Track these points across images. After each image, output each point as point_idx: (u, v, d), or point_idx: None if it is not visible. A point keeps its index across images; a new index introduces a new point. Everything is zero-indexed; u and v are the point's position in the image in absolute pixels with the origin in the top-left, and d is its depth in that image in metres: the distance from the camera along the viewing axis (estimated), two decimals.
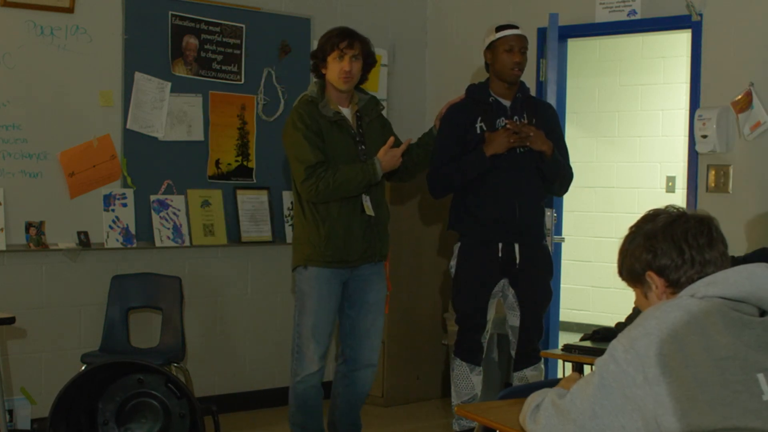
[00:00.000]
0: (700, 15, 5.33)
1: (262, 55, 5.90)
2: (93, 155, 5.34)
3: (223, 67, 5.76)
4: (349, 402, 4.67)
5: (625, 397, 2.06)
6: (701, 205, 5.28)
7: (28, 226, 5.12)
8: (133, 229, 5.41)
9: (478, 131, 4.71)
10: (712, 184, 5.31)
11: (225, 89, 5.78)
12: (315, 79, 4.56)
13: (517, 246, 4.71)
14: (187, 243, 5.58)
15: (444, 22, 6.64)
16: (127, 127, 5.44)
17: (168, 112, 5.56)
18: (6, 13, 5.06)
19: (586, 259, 8.57)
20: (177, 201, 5.58)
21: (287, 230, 5.88)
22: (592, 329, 4.26)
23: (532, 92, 5.19)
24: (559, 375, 5.08)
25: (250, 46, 5.85)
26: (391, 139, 4.52)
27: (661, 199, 6.43)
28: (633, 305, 2.87)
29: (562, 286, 6.10)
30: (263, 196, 5.89)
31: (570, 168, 4.88)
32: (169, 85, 5.56)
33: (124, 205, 5.39)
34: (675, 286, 2.21)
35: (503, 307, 4.85)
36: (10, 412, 4.98)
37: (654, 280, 2.23)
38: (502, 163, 4.66)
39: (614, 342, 2.12)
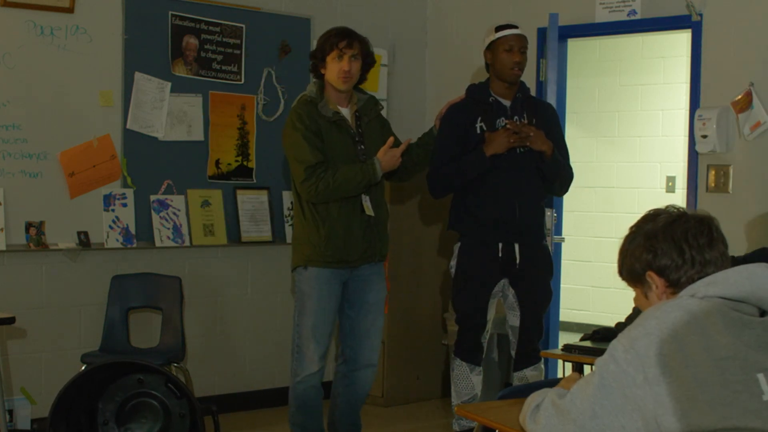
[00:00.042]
0: (700, 15, 5.33)
1: (262, 55, 5.90)
2: (93, 155, 5.34)
3: (223, 67, 5.76)
4: (349, 402, 4.67)
5: (625, 397, 2.06)
6: (701, 205, 5.28)
7: (28, 226, 5.12)
8: (133, 229, 5.41)
9: (478, 131, 4.71)
10: (712, 184, 5.31)
11: (225, 89, 5.78)
12: (314, 80, 4.55)
13: (517, 246, 4.71)
14: (187, 243, 5.58)
15: (444, 22, 6.64)
16: (127, 127, 5.44)
17: (168, 112, 5.56)
18: (6, 13, 5.06)
19: (586, 259, 8.57)
20: (177, 201, 5.58)
21: (287, 230, 5.88)
22: (592, 329, 4.26)
23: (532, 92, 5.19)
24: (559, 375, 5.08)
25: (250, 46, 5.85)
26: (391, 139, 4.52)
27: (661, 199, 6.43)
28: (633, 305, 2.87)
29: (562, 286, 6.10)
30: (263, 196, 5.89)
31: (570, 168, 4.88)
32: (169, 85, 5.56)
33: (124, 205, 5.40)
34: (675, 286, 2.21)
35: (503, 307, 4.85)
36: (10, 412, 4.98)
37: (654, 280, 2.23)
38: (502, 163, 4.66)
39: (614, 342, 2.12)
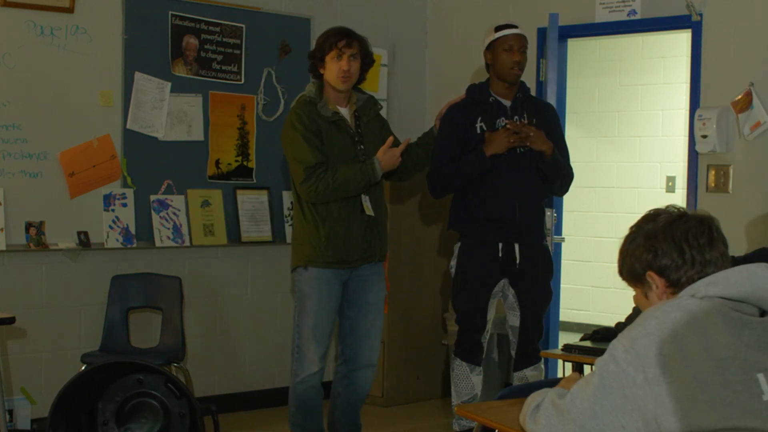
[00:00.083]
0: (700, 15, 5.33)
1: (262, 55, 5.90)
2: (93, 155, 5.34)
3: (223, 67, 5.76)
4: (349, 402, 4.67)
5: (625, 397, 2.06)
6: (701, 205, 5.28)
7: (28, 226, 5.12)
8: (133, 229, 5.41)
9: (478, 131, 4.71)
10: (712, 184, 5.31)
11: (225, 89, 5.78)
12: (313, 80, 4.55)
13: (517, 246, 4.71)
14: (187, 243, 5.58)
15: (444, 22, 6.64)
16: (127, 127, 5.44)
17: (168, 112, 5.56)
18: (6, 13, 5.06)
19: (586, 259, 8.57)
20: (177, 201, 5.58)
21: (287, 230, 5.88)
22: (592, 329, 4.26)
23: (532, 92, 5.18)
24: (559, 375, 5.08)
25: (250, 46, 5.85)
26: (390, 138, 4.52)
27: (661, 199, 6.43)
28: (633, 305, 2.87)
29: (562, 286, 6.10)
30: (263, 196, 5.89)
31: (570, 168, 4.88)
32: (169, 85, 5.56)
33: (124, 205, 5.40)
34: (675, 286, 2.21)
35: (503, 307, 4.85)
36: (10, 412, 4.98)
37: (654, 280, 2.23)
38: (502, 163, 4.66)
39: (614, 342, 2.12)
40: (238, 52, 5.81)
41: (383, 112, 4.82)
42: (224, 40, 5.76)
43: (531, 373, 4.81)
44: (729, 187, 5.25)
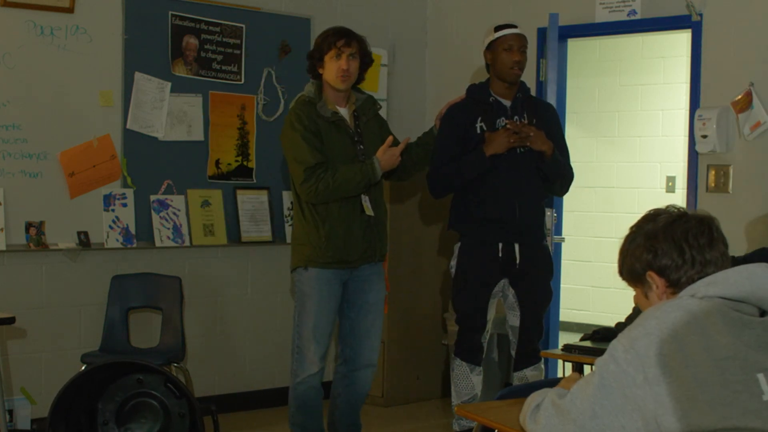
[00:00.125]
0: (700, 15, 5.33)
1: (262, 55, 5.90)
2: (93, 155, 5.34)
3: (223, 67, 5.76)
4: (349, 402, 4.67)
5: (625, 397, 2.06)
6: (701, 205, 5.28)
7: (28, 226, 5.12)
8: (133, 229, 5.41)
9: (478, 131, 4.71)
10: (712, 184, 5.31)
11: (225, 89, 5.78)
12: (312, 80, 4.54)
13: (517, 246, 4.71)
14: (187, 243, 5.58)
15: (444, 22, 6.64)
16: (127, 127, 5.44)
17: (168, 112, 5.56)
18: (6, 13, 5.06)
19: (586, 259, 8.57)
20: (177, 201, 5.58)
21: (287, 230, 5.88)
22: (592, 329, 4.26)
23: (532, 92, 5.18)
24: (559, 375, 5.08)
25: (250, 46, 5.85)
26: (390, 138, 4.52)
27: (661, 199, 6.43)
28: (633, 305, 2.87)
29: (562, 286, 6.10)
30: (263, 196, 5.89)
31: (570, 168, 4.88)
32: (169, 85, 5.56)
33: (124, 205, 5.40)
34: (675, 286, 2.21)
35: (503, 307, 4.85)
36: (10, 412, 4.98)
37: (654, 280, 2.23)
38: (502, 163, 4.66)
39: (614, 342, 2.12)
40: (238, 52, 5.81)
41: (383, 113, 4.82)
42: (224, 40, 5.76)
43: (531, 373, 4.81)
44: (729, 187, 5.25)
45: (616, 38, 7.14)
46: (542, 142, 4.66)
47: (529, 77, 5.22)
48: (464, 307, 4.78)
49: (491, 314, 4.80)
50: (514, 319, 4.80)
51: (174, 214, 5.56)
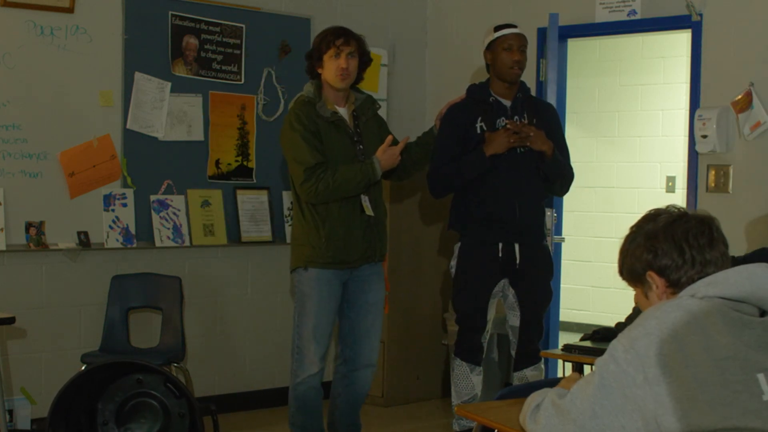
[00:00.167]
0: (700, 15, 5.33)
1: (262, 55, 5.90)
2: (93, 155, 5.34)
3: (223, 67, 5.76)
4: (348, 402, 4.67)
5: (625, 397, 2.06)
6: (701, 205, 5.28)
7: (28, 226, 5.12)
8: (133, 229, 5.41)
9: (479, 131, 4.71)
10: (712, 184, 5.31)
11: (225, 89, 5.78)
12: (311, 80, 4.54)
13: (517, 246, 4.71)
14: (187, 243, 5.58)
15: (444, 22, 6.64)
16: (127, 127, 5.44)
17: (168, 112, 5.56)
18: (6, 13, 5.06)
19: (586, 259, 8.57)
20: (177, 201, 5.58)
21: (287, 230, 5.88)
22: (592, 329, 4.25)
23: (532, 92, 5.18)
24: (559, 375, 5.08)
25: (250, 46, 5.85)
26: (390, 137, 4.52)
27: (661, 199, 6.43)
28: (633, 305, 2.87)
29: (562, 286, 6.10)
30: (263, 196, 5.89)
31: (571, 168, 4.88)
32: (169, 85, 5.56)
33: (124, 205, 5.40)
34: (675, 286, 2.21)
35: (503, 307, 4.85)
36: (10, 412, 4.98)
37: (654, 280, 2.23)
38: (502, 163, 4.66)
39: (614, 342, 2.12)
40: (238, 52, 5.81)
41: (384, 113, 4.82)
42: (224, 40, 5.76)
43: (531, 373, 4.81)
44: (729, 187, 5.25)
45: (616, 38, 7.14)
46: (542, 142, 4.66)
47: (529, 77, 5.22)
48: (464, 307, 4.78)
49: (491, 314, 4.80)
50: (514, 319, 4.80)
51: (174, 214, 5.56)
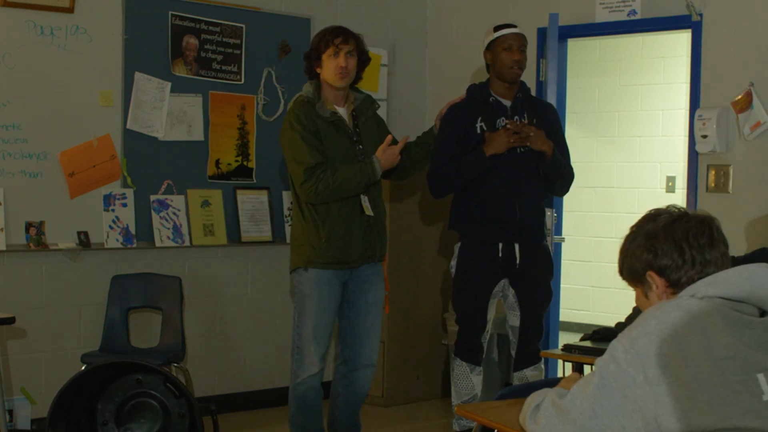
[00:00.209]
0: (700, 15, 5.33)
1: (262, 55, 5.90)
2: (93, 155, 5.34)
3: (223, 67, 5.76)
4: (348, 402, 4.67)
5: (625, 397, 2.06)
6: (701, 205, 5.28)
7: (28, 226, 5.12)
8: (133, 229, 5.41)
9: (479, 131, 4.71)
10: (712, 184, 5.31)
11: (225, 89, 5.78)
12: (310, 80, 4.54)
13: (517, 246, 4.71)
14: (187, 243, 5.57)
15: (444, 22, 6.64)
16: (127, 127, 5.44)
17: (168, 112, 5.56)
18: (6, 13, 5.06)
19: (586, 259, 8.57)
20: (177, 201, 5.58)
21: (287, 230, 5.88)
22: (592, 329, 4.25)
23: (532, 92, 5.18)
24: (559, 375, 5.08)
25: (250, 46, 5.85)
26: (389, 136, 4.52)
27: (661, 199, 6.43)
28: (633, 305, 2.87)
29: (562, 286, 6.10)
30: (263, 196, 5.89)
31: (571, 168, 4.88)
32: (169, 85, 5.56)
33: (124, 205, 5.40)
34: (675, 286, 2.21)
35: (503, 307, 4.85)
36: (10, 412, 4.98)
37: (654, 280, 2.23)
38: (502, 163, 4.66)
39: (614, 342, 2.12)
40: (238, 52, 5.81)
41: (384, 113, 4.82)
42: (224, 40, 5.76)
43: (531, 373, 4.81)
44: (729, 187, 5.25)
45: (616, 38, 7.14)
46: (542, 142, 4.66)
47: (529, 77, 5.22)
48: (464, 307, 4.78)
49: (491, 314, 4.80)
50: (514, 319, 4.80)
51: (174, 214, 5.56)
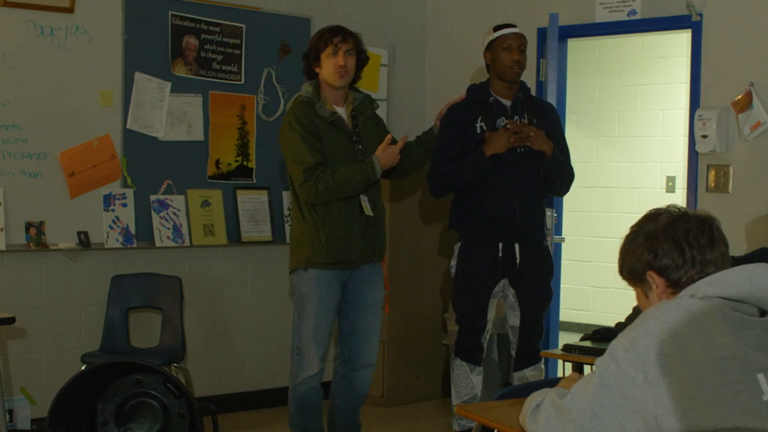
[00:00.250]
0: (700, 15, 5.33)
1: (262, 55, 5.90)
2: (93, 155, 5.34)
3: (223, 67, 5.76)
4: (348, 402, 4.67)
5: (625, 397, 2.06)
6: (701, 205, 5.28)
7: (28, 226, 5.12)
8: (133, 229, 5.41)
9: (479, 131, 4.71)
10: (712, 184, 5.31)
11: (225, 89, 5.78)
12: (309, 80, 4.54)
13: (517, 246, 4.71)
14: (187, 243, 5.57)
15: (444, 22, 6.64)
16: (127, 127, 5.44)
17: (168, 112, 5.56)
18: (6, 13, 5.06)
19: (586, 259, 8.57)
20: (177, 201, 5.58)
21: (287, 230, 5.88)
22: (592, 329, 4.26)
23: (532, 92, 5.18)
24: (559, 375, 5.07)
25: (250, 46, 5.85)
26: (389, 136, 4.52)
27: (661, 199, 6.42)
28: (633, 305, 2.87)
29: (562, 286, 6.10)
30: (263, 196, 5.89)
31: (571, 168, 4.88)
32: (169, 85, 5.56)
33: (124, 205, 5.40)
34: (675, 286, 2.21)
35: (503, 307, 4.85)
36: (10, 412, 4.98)
37: (655, 279, 2.23)
38: (502, 163, 4.66)
39: (614, 342, 2.11)
40: (238, 52, 5.81)
41: (384, 112, 4.82)
42: (224, 40, 5.76)
43: (531, 373, 4.81)
44: (729, 187, 5.25)
45: (616, 38, 7.14)
46: (542, 142, 4.66)
47: (529, 77, 5.22)
48: (464, 307, 4.78)
49: (491, 314, 4.80)
50: (514, 319, 4.80)
51: (174, 214, 5.56)
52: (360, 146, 4.49)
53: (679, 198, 7.63)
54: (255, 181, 5.89)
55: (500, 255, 4.70)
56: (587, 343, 4.12)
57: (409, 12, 6.65)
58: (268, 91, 5.92)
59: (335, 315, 4.55)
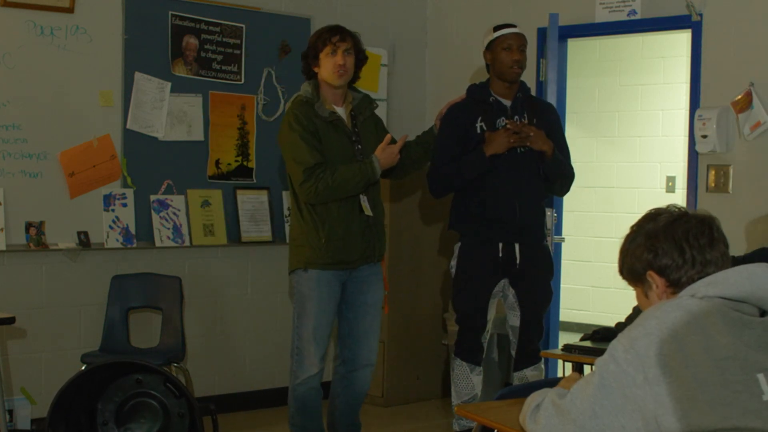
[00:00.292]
0: (700, 15, 5.33)
1: (262, 55, 5.90)
2: (93, 155, 5.34)
3: (223, 67, 5.76)
4: (348, 402, 4.67)
5: (625, 397, 2.06)
6: (701, 205, 5.28)
7: (28, 226, 5.12)
8: (133, 229, 5.41)
9: (479, 131, 4.71)
10: (712, 184, 5.31)
11: (225, 89, 5.78)
12: (308, 80, 4.53)
13: (517, 246, 4.71)
14: (187, 243, 5.57)
15: (444, 22, 6.64)
16: (127, 127, 5.44)
17: (168, 112, 5.56)
18: (6, 13, 5.06)
19: (586, 259, 8.57)
20: (177, 201, 5.58)
21: (287, 230, 5.88)
22: (592, 329, 4.25)
23: (533, 92, 5.18)
24: (559, 375, 5.07)
25: (250, 46, 5.85)
26: (389, 136, 4.51)
27: (661, 199, 6.42)
28: (633, 305, 2.87)
29: (562, 286, 6.10)
30: (263, 196, 5.89)
31: (571, 168, 4.88)
32: (169, 85, 5.56)
33: (124, 205, 5.40)
34: (675, 285, 2.21)
35: (503, 307, 4.85)
36: (10, 412, 4.98)
37: (655, 279, 2.23)
38: (503, 163, 4.66)
39: (614, 342, 2.12)
40: (238, 52, 5.81)
41: (383, 112, 4.81)
42: (224, 40, 5.76)
43: (531, 373, 4.81)
44: (729, 187, 5.25)
45: (616, 38, 7.14)
46: (542, 142, 4.66)
47: (529, 77, 5.22)
48: (464, 307, 4.78)
49: (491, 314, 4.79)
50: (514, 319, 4.80)
51: (174, 214, 5.56)
52: (359, 146, 4.49)
53: (679, 198, 7.63)
54: (255, 181, 5.89)
55: (500, 255, 4.70)
56: (587, 343, 4.12)
57: (409, 12, 6.65)
58: (268, 91, 5.92)
59: (335, 315, 4.55)
